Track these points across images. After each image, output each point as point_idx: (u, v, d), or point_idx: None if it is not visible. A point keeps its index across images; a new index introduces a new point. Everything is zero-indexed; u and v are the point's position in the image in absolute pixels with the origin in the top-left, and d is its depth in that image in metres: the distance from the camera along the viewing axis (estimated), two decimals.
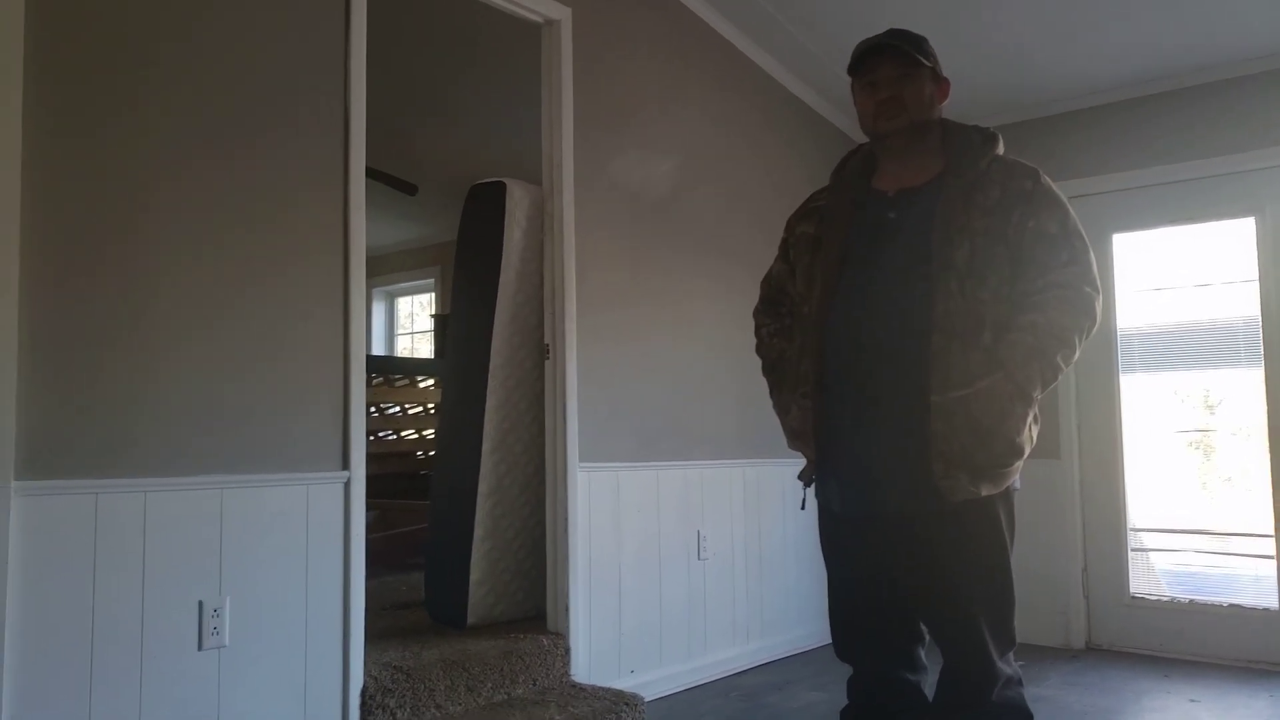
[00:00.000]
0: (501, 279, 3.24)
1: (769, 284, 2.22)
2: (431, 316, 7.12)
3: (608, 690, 2.93)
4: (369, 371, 4.85)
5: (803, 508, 2.11)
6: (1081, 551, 4.08)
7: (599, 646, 3.17)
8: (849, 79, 2.04)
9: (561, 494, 3.11)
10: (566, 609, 3.07)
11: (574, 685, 2.97)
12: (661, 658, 3.41)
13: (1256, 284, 3.75)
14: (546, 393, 3.20)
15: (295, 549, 2.39)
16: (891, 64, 1.96)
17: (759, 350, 2.19)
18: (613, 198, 3.39)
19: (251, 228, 2.37)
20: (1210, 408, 4.01)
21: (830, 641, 2.12)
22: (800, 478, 2.06)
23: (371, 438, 4.97)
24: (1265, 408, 3.71)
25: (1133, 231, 4.06)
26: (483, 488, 3.17)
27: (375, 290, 7.64)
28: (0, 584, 1.89)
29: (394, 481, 4.97)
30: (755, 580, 3.87)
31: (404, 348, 7.83)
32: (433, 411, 5.18)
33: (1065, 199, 1.93)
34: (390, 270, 7.47)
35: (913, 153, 2.02)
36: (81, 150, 2.09)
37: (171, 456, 2.18)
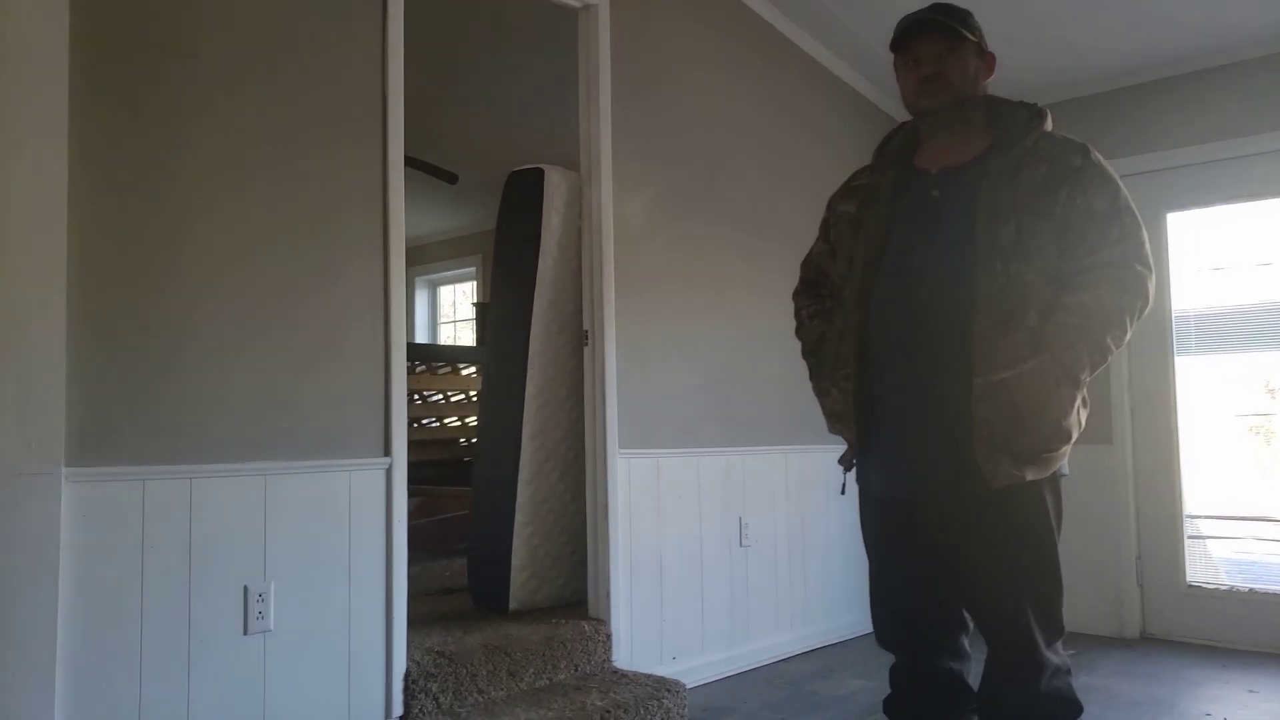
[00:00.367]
0: (540, 265, 3.23)
1: (809, 265, 2.19)
2: (473, 305, 7.16)
3: (649, 677, 2.93)
4: (411, 359, 4.89)
5: (843, 492, 2.08)
6: (1135, 539, 3.98)
7: (641, 633, 3.17)
8: (891, 56, 2.00)
9: (601, 480, 3.11)
10: (608, 595, 3.07)
11: (616, 671, 2.98)
12: (704, 644, 3.39)
13: None
14: (585, 379, 3.19)
15: (338, 535, 2.41)
16: (934, 39, 1.91)
17: (798, 333, 2.16)
18: (651, 182, 3.37)
19: (294, 216, 2.38)
20: (1271, 391, 3.88)
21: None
22: (840, 462, 2.03)
23: (414, 425, 5.02)
24: None
25: (1188, 210, 3.93)
26: (523, 474, 3.18)
27: (418, 280, 7.71)
28: (53, 569, 1.93)
29: (437, 468, 5.01)
30: (798, 567, 3.84)
31: (447, 336, 7.89)
32: (474, 398, 5.22)
33: (1116, 175, 1.87)
34: (432, 259, 7.52)
35: (957, 130, 1.97)
36: (126, 141, 2.12)
37: (216, 444, 2.21)
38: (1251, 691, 3.16)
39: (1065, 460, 1.85)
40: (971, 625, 2.00)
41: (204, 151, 2.24)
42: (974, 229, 1.83)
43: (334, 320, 2.44)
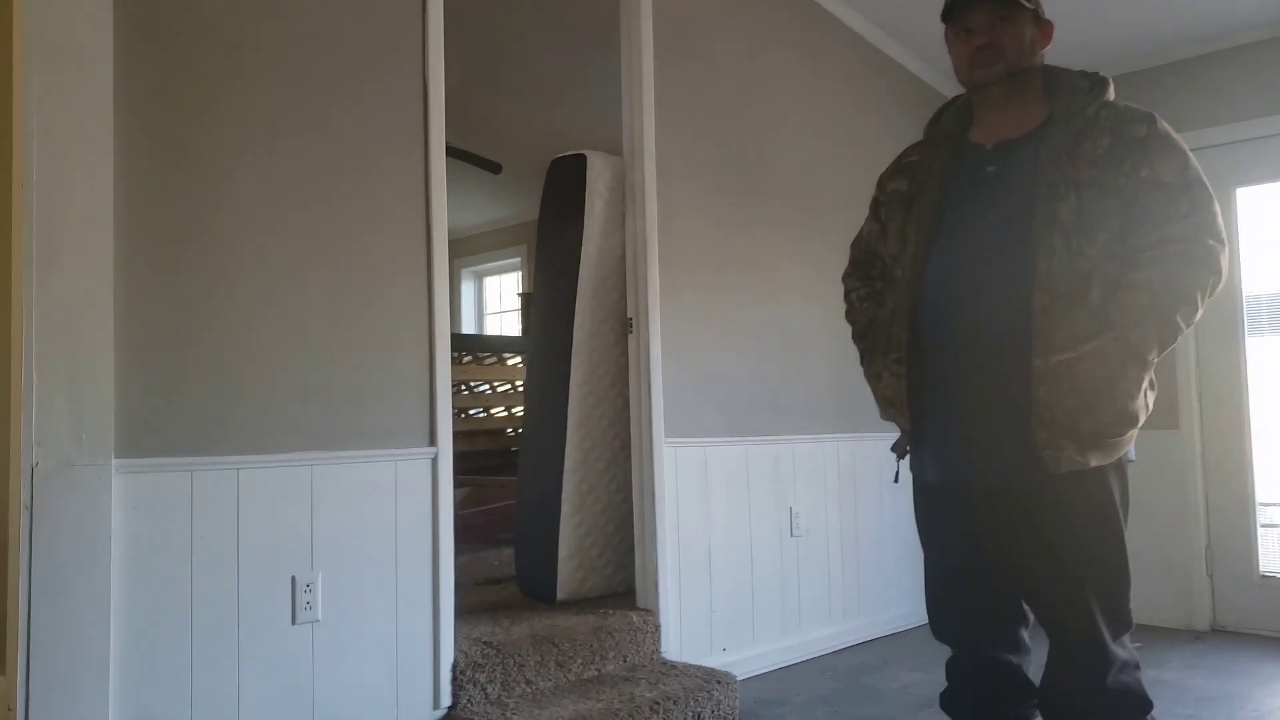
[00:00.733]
0: (583, 252, 3.20)
1: (859, 246, 2.12)
2: (518, 295, 7.17)
3: (699, 668, 2.89)
4: (457, 350, 4.92)
5: (896, 481, 2.01)
6: (1204, 528, 3.83)
7: (690, 623, 3.13)
8: (942, 29, 1.92)
9: (647, 470, 3.07)
10: (656, 585, 3.04)
11: (665, 662, 2.94)
12: (754, 636, 3.34)
13: None
14: (630, 367, 3.16)
15: (384, 525, 2.41)
16: (987, 7, 1.83)
17: (849, 316, 2.09)
18: (697, 165, 3.31)
19: (341, 215, 2.38)
20: None
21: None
22: (894, 449, 1.97)
23: (461, 415, 5.04)
24: None
25: (1259, 185, 3.76)
26: (568, 463, 3.16)
27: (463, 271, 7.74)
28: (105, 559, 1.95)
29: (484, 458, 5.03)
30: (851, 558, 3.77)
31: (493, 328, 7.92)
32: (521, 389, 5.22)
33: (1184, 145, 1.77)
34: (478, 251, 7.55)
35: (1012, 102, 1.88)
36: (175, 145, 2.13)
37: (262, 434, 2.22)
38: None
39: (1132, 445, 1.76)
40: (1032, 618, 1.92)
41: (254, 158, 2.24)
42: (1032, 204, 1.75)
43: (378, 312, 2.44)
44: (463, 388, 5.09)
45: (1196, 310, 1.70)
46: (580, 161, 3.25)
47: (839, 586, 3.70)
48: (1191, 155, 1.75)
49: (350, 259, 2.40)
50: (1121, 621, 1.78)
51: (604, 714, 2.46)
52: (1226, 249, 1.72)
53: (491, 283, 7.96)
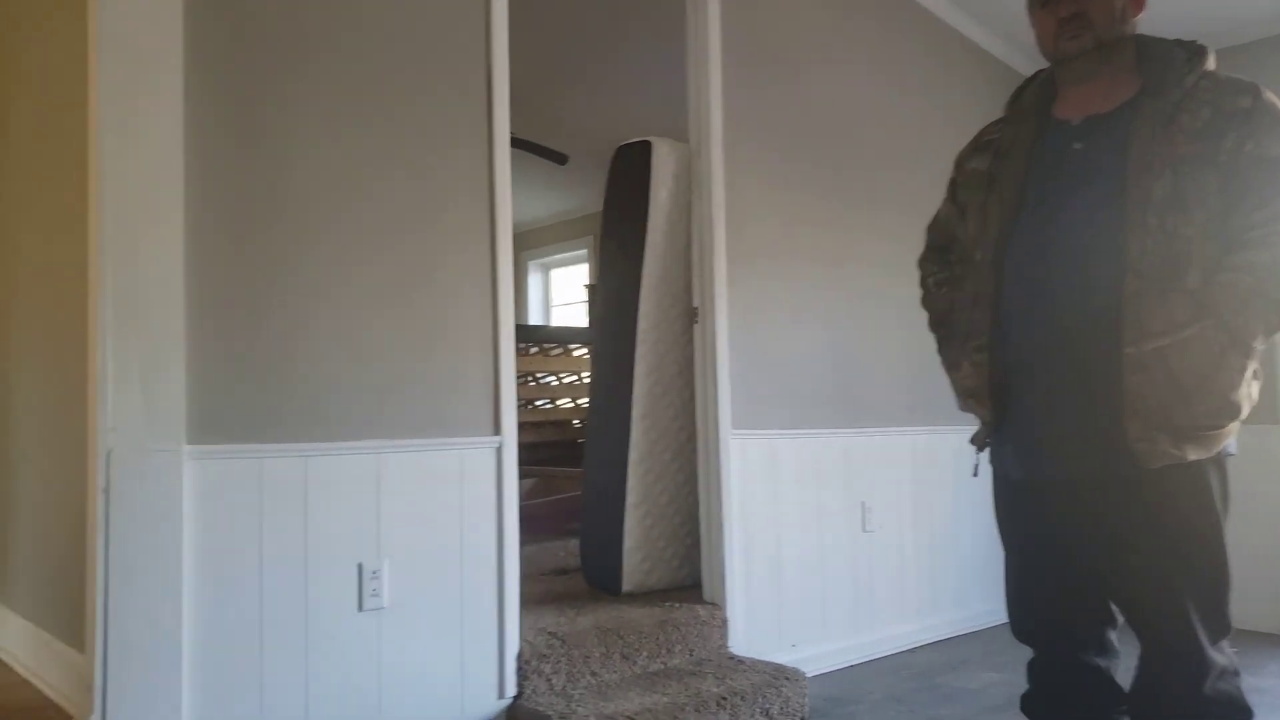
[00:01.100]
0: (648, 240, 3.16)
1: (935, 229, 2.03)
2: (585, 286, 7.17)
3: (767, 664, 2.83)
4: (524, 341, 4.93)
5: (975, 474, 1.91)
6: None
7: (758, 618, 3.07)
8: (1024, 2, 1.82)
9: (714, 462, 3.02)
10: (723, 579, 2.98)
11: (732, 657, 2.89)
12: (825, 632, 3.27)
13: None
14: (696, 357, 3.11)
15: (450, 513, 2.41)
16: None
17: (925, 302, 2.01)
18: (765, 151, 3.24)
19: (406, 206, 2.38)
20: None
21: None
22: (973, 441, 1.87)
23: (527, 406, 5.05)
24: None
25: None
26: (633, 454, 3.12)
27: (530, 263, 7.78)
28: (176, 544, 1.99)
29: (551, 449, 5.03)
30: (926, 554, 3.66)
31: (560, 320, 7.94)
32: (587, 379, 5.21)
33: None
34: (545, 243, 7.57)
35: (1101, 75, 1.77)
36: (240, 130, 2.15)
37: (329, 422, 2.23)
38: None
39: (1234, 438, 1.64)
40: (1120, 619, 1.82)
41: (320, 149, 2.26)
42: (1123, 182, 1.64)
43: (444, 302, 2.44)
44: (529, 379, 5.11)
45: None
46: (645, 148, 3.21)
47: (913, 583, 3.60)
48: None
49: (414, 249, 2.40)
50: (1220, 625, 1.67)
51: (670, 708, 2.42)
52: None
53: (559, 275, 7.98)
